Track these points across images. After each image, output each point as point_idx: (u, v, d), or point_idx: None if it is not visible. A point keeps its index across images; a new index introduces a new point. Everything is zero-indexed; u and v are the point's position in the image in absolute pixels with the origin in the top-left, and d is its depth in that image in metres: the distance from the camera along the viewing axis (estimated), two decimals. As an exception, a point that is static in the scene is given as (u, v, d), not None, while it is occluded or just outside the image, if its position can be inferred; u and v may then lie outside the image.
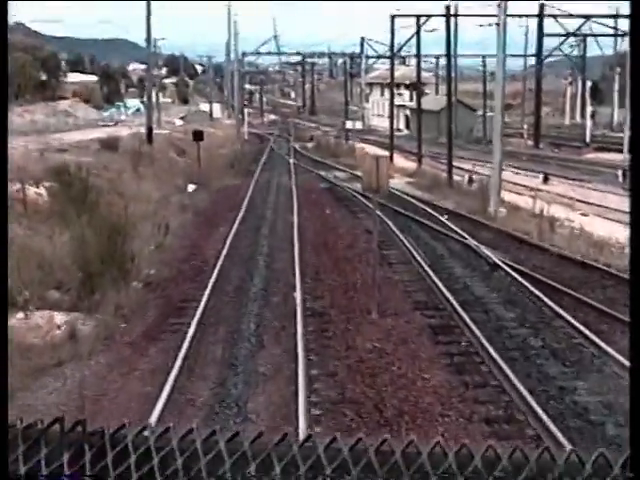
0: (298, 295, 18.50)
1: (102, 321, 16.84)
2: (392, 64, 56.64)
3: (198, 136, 46.04)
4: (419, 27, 49.40)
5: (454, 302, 17.62)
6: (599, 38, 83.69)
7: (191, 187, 41.42)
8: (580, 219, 32.14)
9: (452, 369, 13.83)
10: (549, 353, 14.76)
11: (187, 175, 45.00)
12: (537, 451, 1.58)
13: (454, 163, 59.36)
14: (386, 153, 56.16)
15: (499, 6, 33.95)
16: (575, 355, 14.56)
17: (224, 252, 23.52)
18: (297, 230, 26.84)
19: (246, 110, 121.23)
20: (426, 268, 21.18)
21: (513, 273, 20.40)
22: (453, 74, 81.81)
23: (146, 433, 1.75)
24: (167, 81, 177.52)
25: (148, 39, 54.50)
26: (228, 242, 25.01)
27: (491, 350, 14.18)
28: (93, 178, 29.92)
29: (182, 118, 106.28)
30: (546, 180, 46.98)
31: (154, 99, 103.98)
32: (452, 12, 53.01)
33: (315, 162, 54.84)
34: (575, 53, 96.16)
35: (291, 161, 53.67)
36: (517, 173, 52.00)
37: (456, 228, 27.34)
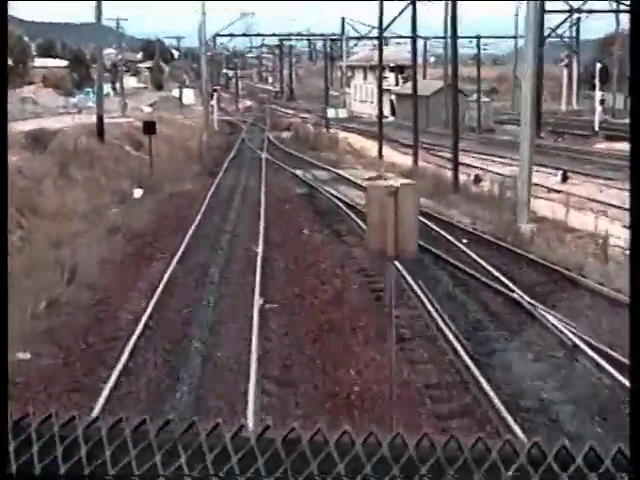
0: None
1: None
2: (380, 43, 47.75)
3: (149, 128, 37.11)
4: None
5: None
6: (595, 20, 75.21)
7: (138, 193, 32.61)
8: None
9: None
10: None
11: (137, 176, 36.22)
12: (499, 442, 1.52)
13: (446, 155, 50.80)
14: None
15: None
16: None
17: (145, 315, 14.89)
18: (260, 271, 18.17)
19: (221, 95, 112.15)
20: (465, 359, 12.49)
21: (612, 370, 11.78)
22: (442, 55, 73.14)
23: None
24: (142, 66, 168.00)
25: (98, 17, 45.48)
26: (157, 295, 16.33)
27: None
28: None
29: (151, 105, 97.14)
30: (565, 179, 38.38)
31: (120, 85, 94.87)
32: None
33: (291, 157, 45.94)
34: (567, 34, 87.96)
35: (263, 156, 44.70)
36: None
37: (484, 263, 18.77)
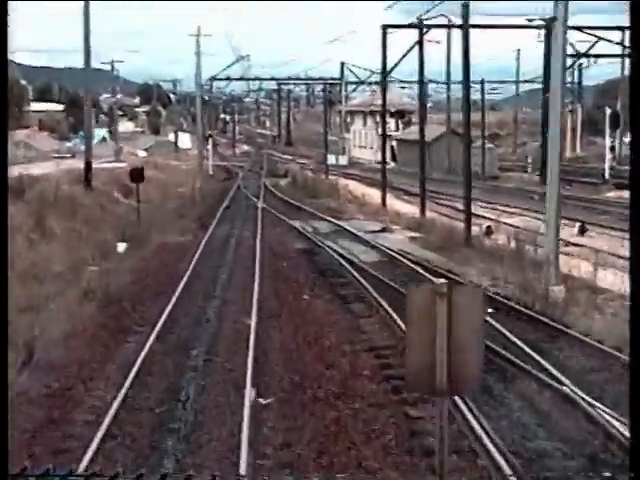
0: None
1: None
2: (384, 85, 44.87)
3: (137, 176, 34.09)
4: (422, 37, 37.78)
5: None
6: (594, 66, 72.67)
7: (122, 247, 29.54)
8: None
9: None
10: None
11: (123, 227, 33.17)
12: None
13: (453, 204, 47.84)
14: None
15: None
16: None
17: (109, 416, 11.72)
18: (253, 352, 15.02)
19: (218, 140, 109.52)
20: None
21: None
22: (441, 100, 70.85)
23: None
24: (140, 110, 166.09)
25: (87, 61, 42.70)
26: (126, 385, 13.17)
27: None
28: None
29: (147, 149, 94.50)
30: (583, 231, 35.29)
31: (114, 129, 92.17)
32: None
33: (289, 206, 42.88)
34: (569, 80, 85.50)
35: (260, 205, 41.61)
36: (537, 218, 40.22)
37: (519, 342, 15.65)
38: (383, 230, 32.81)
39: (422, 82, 40.36)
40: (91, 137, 44.49)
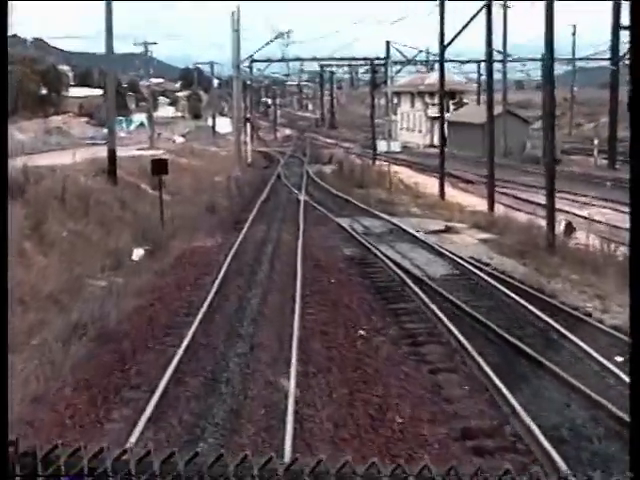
0: None
1: None
2: (442, 62, 39.08)
3: (159, 168, 28.93)
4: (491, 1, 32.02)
5: None
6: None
7: (137, 254, 24.49)
8: None
9: None
10: None
11: (146, 225, 28.21)
12: (445, 467, 1.46)
13: (517, 193, 42.19)
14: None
15: None
16: None
17: None
18: (291, 442, 9.83)
19: (258, 124, 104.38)
20: None
21: None
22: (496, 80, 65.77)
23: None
24: (181, 94, 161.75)
25: (109, 45, 37.54)
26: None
27: None
28: None
29: (184, 135, 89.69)
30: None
31: (149, 114, 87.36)
32: None
33: (335, 199, 37.46)
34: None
35: (302, 198, 36.21)
36: (615, 209, 34.29)
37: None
38: (447, 230, 27.38)
39: (491, 55, 34.61)
40: (114, 123, 39.56)
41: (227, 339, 14.71)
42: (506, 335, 14.40)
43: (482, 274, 19.84)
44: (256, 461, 1.41)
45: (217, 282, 18.94)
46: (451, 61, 59.07)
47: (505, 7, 55.35)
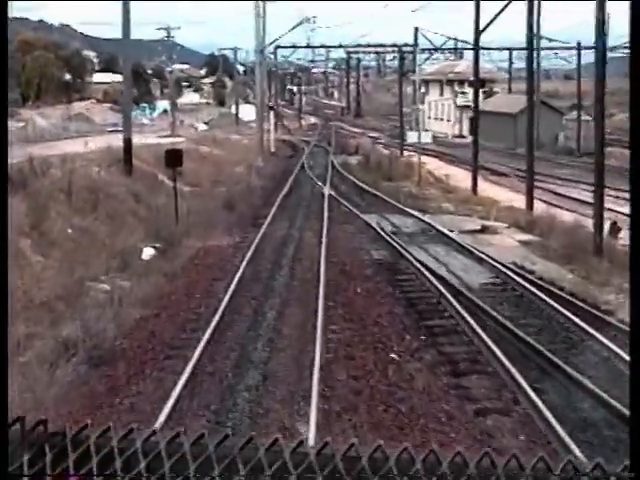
0: None
1: None
2: (477, 50, 36.57)
3: (174, 159, 26.81)
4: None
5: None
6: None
7: (148, 253, 22.44)
8: None
9: None
10: None
11: (159, 223, 26.18)
12: (477, 456, 1.49)
13: (552, 187, 39.79)
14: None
15: None
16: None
17: None
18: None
19: (283, 112, 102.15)
20: None
21: None
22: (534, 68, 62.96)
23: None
24: (206, 81, 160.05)
25: (126, 33, 35.37)
26: None
27: None
28: None
29: (207, 122, 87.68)
30: None
31: (171, 101, 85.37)
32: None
33: (362, 193, 35.21)
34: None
35: (326, 192, 33.98)
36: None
37: None
38: (483, 230, 25.10)
39: (532, 41, 32.13)
40: (130, 110, 37.60)
41: (237, 365, 12.57)
42: (564, 366, 12.19)
43: (527, 284, 17.60)
44: (286, 444, 1.38)
45: (231, 289, 16.83)
46: (488, 49, 56.36)
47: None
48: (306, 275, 18.60)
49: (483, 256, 20.50)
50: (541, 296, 16.47)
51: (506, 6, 32.68)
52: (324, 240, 22.21)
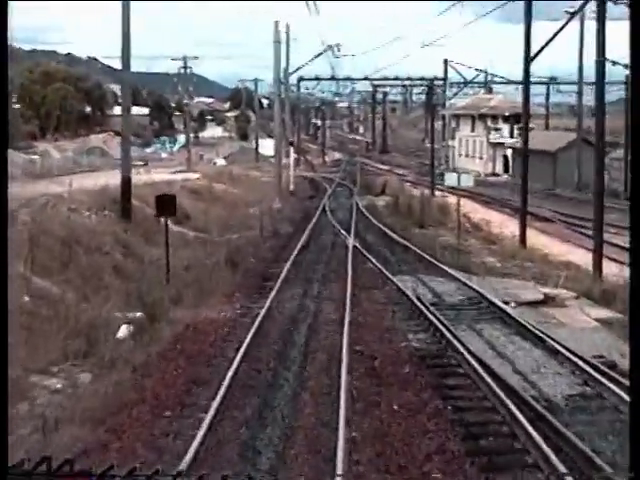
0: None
1: None
2: (527, 82, 31.20)
3: (164, 207, 21.74)
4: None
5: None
6: None
7: (124, 331, 17.35)
8: None
9: None
10: None
11: (151, 279, 21.24)
12: None
13: (613, 239, 34.35)
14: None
15: None
16: None
17: None
18: None
19: (306, 147, 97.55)
20: None
21: None
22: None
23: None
24: (229, 114, 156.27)
25: (126, 64, 30.59)
26: None
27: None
28: None
29: (226, 157, 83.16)
30: None
31: (187, 134, 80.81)
32: None
33: (392, 245, 30.01)
34: None
35: (350, 244, 28.78)
36: None
37: None
38: (546, 301, 19.81)
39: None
40: (129, 145, 32.73)
41: None
42: None
43: (626, 395, 12.34)
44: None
45: (214, 405, 11.70)
46: (538, 84, 51.04)
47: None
48: (321, 379, 13.39)
49: (557, 346, 15.23)
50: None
51: (560, 30, 27.58)
52: (347, 317, 17.04)
